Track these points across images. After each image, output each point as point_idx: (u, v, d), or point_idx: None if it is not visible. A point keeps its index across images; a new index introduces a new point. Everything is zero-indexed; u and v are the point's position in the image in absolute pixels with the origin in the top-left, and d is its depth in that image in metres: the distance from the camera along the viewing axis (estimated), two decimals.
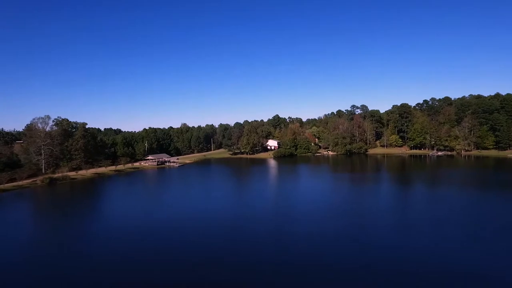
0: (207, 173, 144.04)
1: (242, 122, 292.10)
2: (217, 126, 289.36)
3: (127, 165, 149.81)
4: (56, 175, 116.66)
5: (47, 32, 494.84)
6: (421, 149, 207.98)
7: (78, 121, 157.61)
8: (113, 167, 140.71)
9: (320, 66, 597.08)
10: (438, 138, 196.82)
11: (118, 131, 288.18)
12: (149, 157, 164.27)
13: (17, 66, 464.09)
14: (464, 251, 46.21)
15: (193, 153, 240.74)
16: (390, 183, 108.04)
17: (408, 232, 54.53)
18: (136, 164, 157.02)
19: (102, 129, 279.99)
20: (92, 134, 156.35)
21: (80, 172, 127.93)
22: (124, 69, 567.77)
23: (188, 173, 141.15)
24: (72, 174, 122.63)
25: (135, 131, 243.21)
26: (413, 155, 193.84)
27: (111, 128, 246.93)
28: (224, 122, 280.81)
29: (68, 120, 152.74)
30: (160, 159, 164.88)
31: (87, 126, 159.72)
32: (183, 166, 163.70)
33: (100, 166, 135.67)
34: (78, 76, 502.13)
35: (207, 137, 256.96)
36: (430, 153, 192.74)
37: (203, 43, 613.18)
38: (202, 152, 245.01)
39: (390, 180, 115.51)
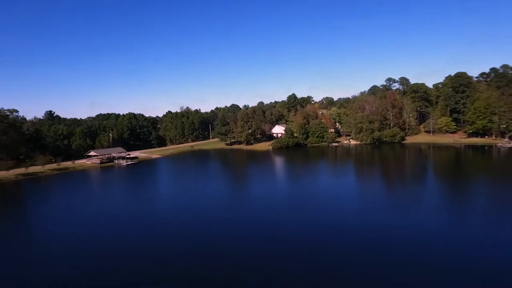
0: (151, 183, 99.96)
1: (256, 105, 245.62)
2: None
3: (51, 165, 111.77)
4: None
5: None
6: (484, 137, 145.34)
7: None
8: (22, 170, 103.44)
9: (355, 29, 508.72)
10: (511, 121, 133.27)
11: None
12: (91, 153, 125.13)
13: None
14: None
15: (187, 142, 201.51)
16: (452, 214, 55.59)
17: None
18: (68, 163, 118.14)
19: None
20: (14, 124, 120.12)
21: None
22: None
23: (128, 180, 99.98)
24: None
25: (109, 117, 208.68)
26: (472, 146, 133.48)
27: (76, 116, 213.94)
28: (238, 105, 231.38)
29: None
30: (107, 155, 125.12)
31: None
32: (137, 164, 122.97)
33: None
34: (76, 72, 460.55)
35: (205, 123, 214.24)
36: (499, 144, 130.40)
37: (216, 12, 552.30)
38: (197, 141, 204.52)
39: (447, 202, 62.87)
